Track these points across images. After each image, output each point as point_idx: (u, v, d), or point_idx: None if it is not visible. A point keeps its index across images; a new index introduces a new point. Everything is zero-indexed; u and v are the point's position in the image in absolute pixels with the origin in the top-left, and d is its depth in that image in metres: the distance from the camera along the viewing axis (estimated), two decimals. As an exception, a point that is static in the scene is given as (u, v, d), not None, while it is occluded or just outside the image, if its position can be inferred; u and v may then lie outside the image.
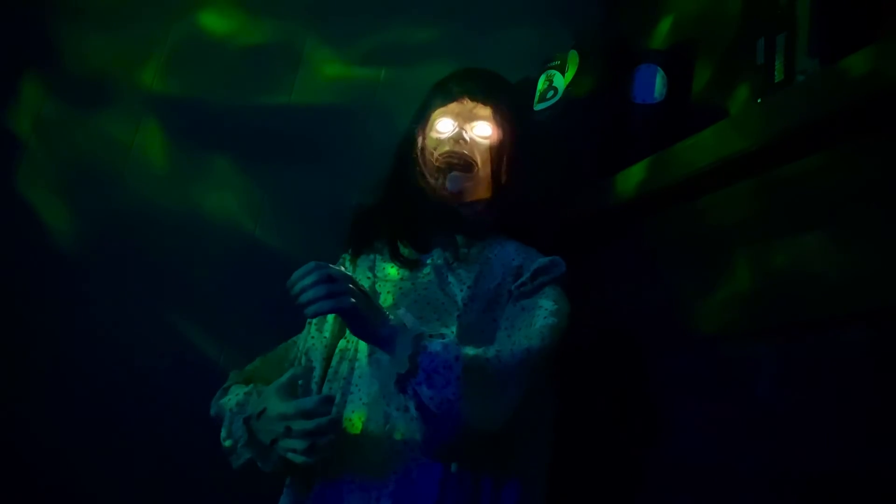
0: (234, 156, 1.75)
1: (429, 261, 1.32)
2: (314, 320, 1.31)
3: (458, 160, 1.34)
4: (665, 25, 1.63)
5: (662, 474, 1.27)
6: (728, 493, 1.12)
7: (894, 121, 0.91)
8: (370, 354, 1.16)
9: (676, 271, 1.33)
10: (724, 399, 1.17)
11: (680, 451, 1.23)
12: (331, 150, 1.78)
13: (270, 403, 1.15)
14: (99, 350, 1.61)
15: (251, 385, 1.29)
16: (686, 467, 1.21)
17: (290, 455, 1.12)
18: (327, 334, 1.30)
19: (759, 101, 1.15)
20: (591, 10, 1.85)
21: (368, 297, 1.13)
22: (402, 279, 1.31)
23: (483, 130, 1.37)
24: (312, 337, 1.31)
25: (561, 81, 1.63)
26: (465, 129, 1.36)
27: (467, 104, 1.38)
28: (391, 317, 1.12)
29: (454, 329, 1.21)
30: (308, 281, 1.07)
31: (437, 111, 1.40)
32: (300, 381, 1.21)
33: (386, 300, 1.28)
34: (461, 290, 1.26)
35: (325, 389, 1.25)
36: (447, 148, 1.35)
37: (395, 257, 1.33)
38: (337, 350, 1.29)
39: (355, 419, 1.20)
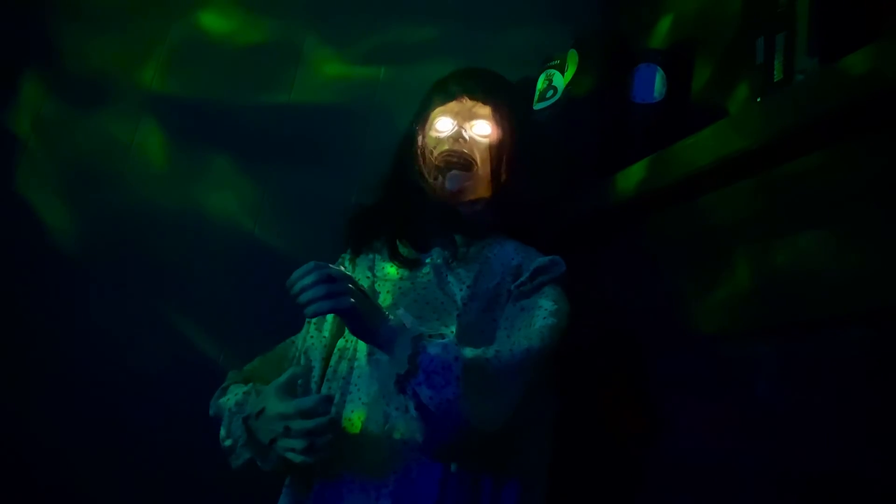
0: (234, 155, 1.75)
1: (428, 260, 1.32)
2: (313, 320, 1.31)
3: (458, 159, 1.34)
4: (664, 25, 1.63)
5: (662, 474, 1.27)
6: (728, 493, 1.12)
7: (894, 119, 0.91)
8: (369, 354, 1.16)
9: (676, 271, 1.33)
10: (724, 399, 1.17)
11: (680, 451, 1.23)
12: (330, 150, 1.78)
13: (269, 403, 1.15)
14: (98, 349, 1.61)
15: (250, 385, 1.29)
16: (686, 467, 1.21)
17: (289, 454, 1.12)
18: (326, 334, 1.30)
19: (758, 100, 1.15)
20: (591, 9, 1.85)
21: (368, 297, 1.13)
22: (401, 279, 1.31)
23: (482, 129, 1.37)
24: (311, 336, 1.31)
25: (560, 81, 1.63)
26: (465, 128, 1.36)
27: (467, 103, 1.38)
28: (390, 317, 1.12)
29: (454, 329, 1.21)
30: (307, 281, 1.07)
31: (437, 110, 1.40)
32: (299, 381, 1.21)
33: (385, 300, 1.28)
34: (460, 290, 1.26)
35: (325, 389, 1.25)
36: (446, 147, 1.35)
37: (395, 257, 1.33)
38: (336, 349, 1.29)
39: (355, 419, 1.20)
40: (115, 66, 1.76)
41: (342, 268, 1.25)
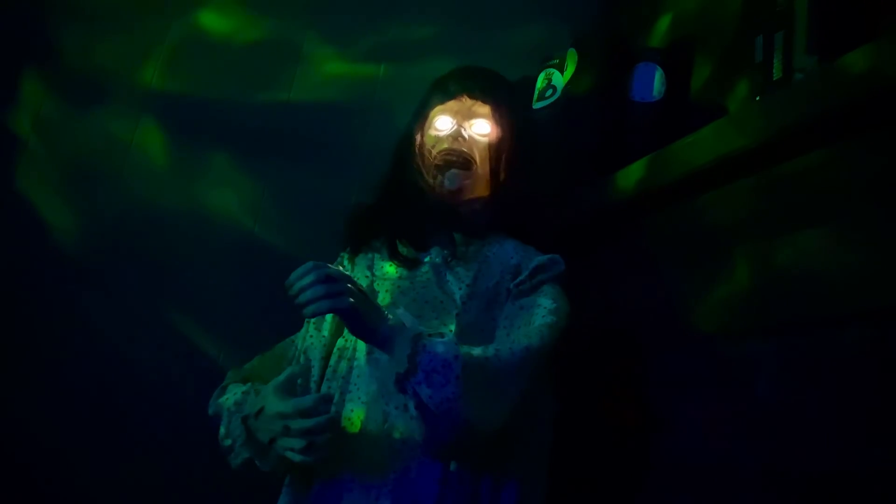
0: (234, 153, 1.75)
1: (427, 259, 1.32)
2: (312, 319, 1.31)
3: (457, 158, 1.34)
4: (664, 24, 1.63)
5: (662, 474, 1.27)
6: (728, 492, 1.12)
7: (893, 118, 0.91)
8: (369, 353, 1.16)
9: (676, 270, 1.33)
10: (723, 398, 1.17)
11: (680, 450, 1.23)
12: (330, 148, 1.78)
13: (268, 402, 1.15)
14: (97, 348, 1.61)
15: (249, 384, 1.29)
16: (686, 467, 1.21)
17: (288, 454, 1.12)
18: (326, 333, 1.30)
19: (757, 99, 1.15)
20: (590, 8, 1.84)
21: (367, 297, 1.13)
22: (400, 278, 1.31)
23: (482, 128, 1.37)
24: (311, 336, 1.30)
25: (560, 80, 1.63)
26: (464, 126, 1.36)
27: (466, 102, 1.38)
28: (390, 316, 1.12)
29: (453, 328, 1.21)
30: (306, 281, 1.07)
31: (436, 109, 1.40)
32: (299, 381, 1.21)
33: (384, 299, 1.28)
34: (460, 289, 1.26)
35: (324, 388, 1.25)
36: (446, 146, 1.35)
37: (394, 256, 1.32)
38: (335, 349, 1.29)
39: (354, 418, 1.20)
40: (115, 65, 1.76)
41: (341, 267, 1.25)
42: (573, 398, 1.34)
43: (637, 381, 1.37)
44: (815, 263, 1.05)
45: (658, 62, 1.51)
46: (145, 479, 1.56)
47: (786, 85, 1.08)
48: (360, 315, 1.10)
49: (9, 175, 1.66)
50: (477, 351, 1.12)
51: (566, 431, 1.30)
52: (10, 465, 1.52)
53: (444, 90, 1.41)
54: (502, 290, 1.27)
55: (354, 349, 1.26)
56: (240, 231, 1.72)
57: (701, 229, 1.26)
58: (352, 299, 1.08)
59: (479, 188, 1.36)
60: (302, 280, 1.07)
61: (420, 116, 1.42)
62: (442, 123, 1.38)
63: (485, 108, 1.38)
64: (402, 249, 1.33)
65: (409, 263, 1.32)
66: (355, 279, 1.16)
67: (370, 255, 1.36)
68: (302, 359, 1.29)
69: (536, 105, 1.66)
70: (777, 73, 1.11)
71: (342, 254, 1.41)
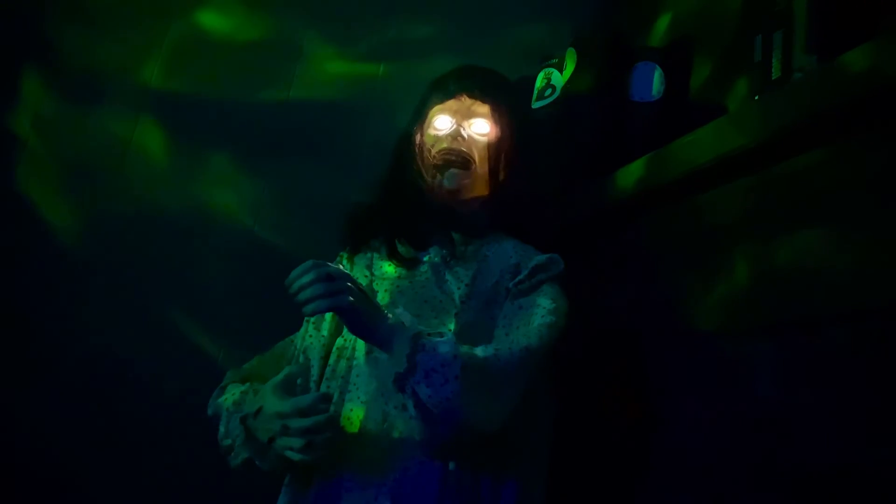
0: (233, 152, 1.75)
1: (426, 259, 1.32)
2: (312, 319, 1.31)
3: (456, 157, 1.34)
4: (663, 23, 1.63)
5: (662, 473, 1.27)
6: (728, 491, 1.12)
7: (892, 117, 0.91)
8: (368, 353, 1.16)
9: (675, 269, 1.33)
10: (723, 397, 1.17)
11: (680, 449, 1.23)
12: (329, 147, 1.78)
13: (267, 402, 1.15)
14: (97, 347, 1.60)
15: (248, 384, 1.29)
16: (686, 466, 1.21)
17: (287, 453, 1.12)
18: (325, 332, 1.30)
19: (756, 98, 1.14)
20: (590, 7, 1.84)
21: (366, 296, 1.13)
22: (399, 277, 1.31)
23: (481, 128, 1.36)
24: (310, 335, 1.31)
25: (559, 79, 1.63)
26: (463, 126, 1.36)
27: (465, 101, 1.38)
28: (389, 315, 1.12)
29: (452, 327, 1.21)
30: (306, 279, 1.07)
31: (435, 108, 1.40)
32: (298, 380, 1.21)
33: (383, 298, 1.28)
34: (459, 288, 1.26)
35: (323, 388, 1.25)
36: (445, 145, 1.35)
37: (393, 255, 1.32)
38: (335, 348, 1.29)
39: (353, 417, 1.20)
40: (114, 64, 1.75)
41: (340, 266, 1.25)
42: (573, 397, 1.34)
43: (636, 380, 1.37)
44: (813, 262, 1.05)
45: (657, 61, 1.51)
46: (144, 478, 1.56)
47: (785, 84, 1.08)
48: (359, 314, 1.10)
49: (8, 174, 1.66)
50: (476, 351, 1.12)
51: (566, 431, 1.30)
52: (11, 465, 1.52)
53: (443, 90, 1.41)
54: (501, 289, 1.27)
55: (354, 348, 1.26)
56: (239, 230, 1.72)
57: (700, 228, 1.26)
58: (351, 298, 1.08)
59: (479, 188, 1.36)
60: (301, 278, 1.07)
61: (419, 116, 1.42)
62: (441, 123, 1.38)
63: (484, 108, 1.38)
64: (402, 249, 1.33)
65: (408, 263, 1.32)
66: (354, 278, 1.16)
67: (369, 255, 1.36)
68: (301, 358, 1.29)
69: (536, 104, 1.66)
70: (776, 72, 1.11)
71: (341, 253, 1.41)
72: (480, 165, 1.35)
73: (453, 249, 1.32)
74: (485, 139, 1.36)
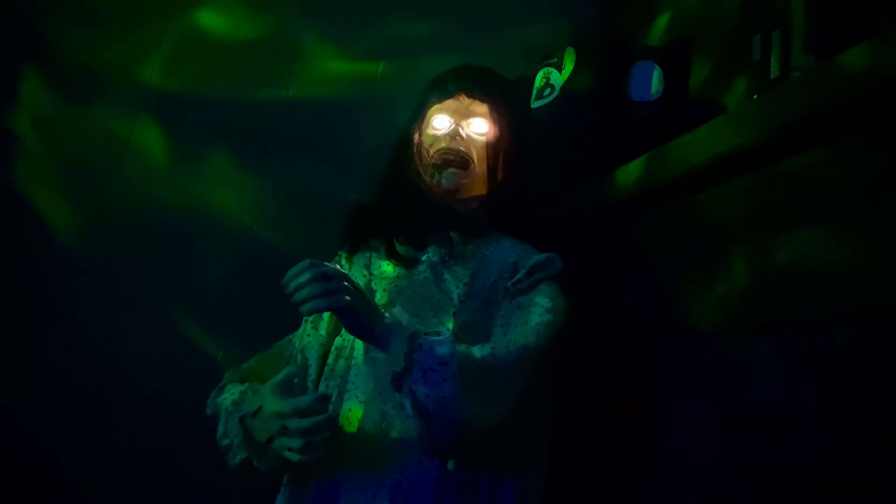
0: (232, 151, 1.75)
1: (424, 258, 1.32)
2: (310, 318, 1.31)
3: (455, 157, 1.34)
4: (662, 22, 1.63)
5: (661, 472, 1.26)
6: (728, 490, 1.12)
7: (890, 116, 0.91)
8: (366, 352, 1.15)
9: (673, 268, 1.33)
10: (723, 396, 1.17)
11: (679, 449, 1.23)
12: (328, 146, 1.78)
13: (266, 402, 1.15)
14: (96, 346, 1.60)
15: (246, 384, 1.29)
16: (685, 466, 1.21)
17: (286, 453, 1.12)
18: (323, 332, 1.30)
19: (755, 97, 1.15)
20: (589, 7, 1.84)
21: (364, 295, 1.13)
22: (397, 277, 1.30)
23: (479, 127, 1.36)
24: (308, 335, 1.30)
25: (558, 78, 1.63)
26: (462, 125, 1.36)
27: (464, 101, 1.38)
28: (387, 315, 1.12)
29: (450, 327, 1.21)
30: (303, 279, 1.07)
31: (434, 108, 1.39)
32: (296, 380, 1.21)
33: (382, 298, 1.27)
34: (457, 288, 1.26)
35: (322, 387, 1.25)
36: (443, 144, 1.35)
37: (391, 255, 1.32)
38: (333, 348, 1.29)
39: (352, 417, 1.20)
40: (113, 63, 1.75)
41: (338, 266, 1.25)
42: (572, 396, 1.34)
43: (635, 379, 1.37)
44: (812, 261, 1.05)
45: (656, 61, 1.51)
46: (143, 478, 1.56)
47: (783, 83, 1.08)
48: (356, 313, 1.10)
49: (7, 173, 1.66)
50: (474, 350, 1.12)
51: (565, 430, 1.30)
52: (11, 465, 1.52)
53: (441, 89, 1.41)
54: (500, 288, 1.27)
55: (352, 348, 1.25)
56: (238, 229, 1.71)
57: (699, 227, 1.26)
58: (348, 297, 1.08)
59: (477, 187, 1.36)
60: (298, 278, 1.07)
61: (418, 115, 1.42)
62: (440, 122, 1.38)
63: (482, 107, 1.37)
64: (400, 248, 1.33)
65: (407, 262, 1.31)
66: (352, 278, 1.16)
67: (368, 254, 1.36)
68: (299, 358, 1.29)
69: (535, 104, 1.66)
70: (774, 71, 1.11)
71: (340, 252, 1.41)
72: (479, 165, 1.35)
73: (452, 249, 1.31)
74: (483, 139, 1.36)
